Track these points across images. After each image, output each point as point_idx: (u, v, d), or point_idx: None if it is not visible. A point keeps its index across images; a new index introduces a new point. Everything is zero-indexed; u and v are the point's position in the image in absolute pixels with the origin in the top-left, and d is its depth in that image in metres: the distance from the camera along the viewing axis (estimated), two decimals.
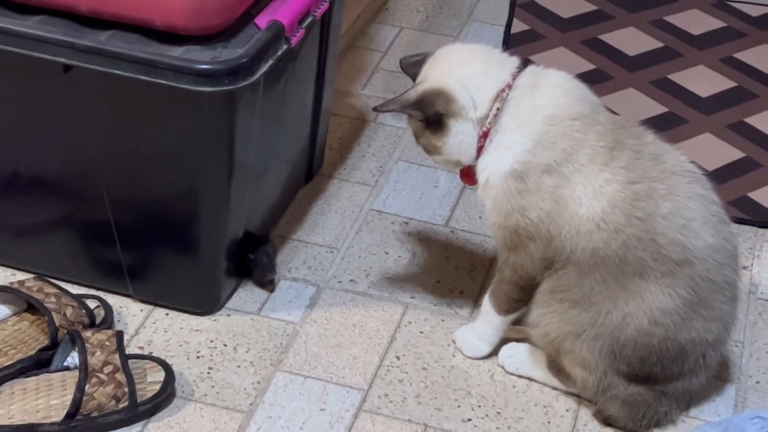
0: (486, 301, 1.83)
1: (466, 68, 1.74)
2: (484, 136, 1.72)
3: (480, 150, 1.73)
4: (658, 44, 2.70)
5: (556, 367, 1.78)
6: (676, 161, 1.73)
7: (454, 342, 1.88)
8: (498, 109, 1.71)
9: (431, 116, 1.72)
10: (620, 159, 1.69)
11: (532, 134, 1.69)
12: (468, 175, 1.80)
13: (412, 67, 1.80)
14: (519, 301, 1.78)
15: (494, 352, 1.85)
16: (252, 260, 1.94)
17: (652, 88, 2.55)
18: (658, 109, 2.48)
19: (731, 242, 1.74)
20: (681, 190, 1.69)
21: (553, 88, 1.73)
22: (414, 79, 1.79)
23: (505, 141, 1.71)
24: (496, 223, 1.75)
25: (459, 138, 1.73)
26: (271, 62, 1.75)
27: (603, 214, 1.67)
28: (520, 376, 1.83)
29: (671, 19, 2.80)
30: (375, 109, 1.77)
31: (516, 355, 1.84)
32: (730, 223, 1.75)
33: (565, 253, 1.70)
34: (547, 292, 1.74)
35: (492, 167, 1.73)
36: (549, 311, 1.74)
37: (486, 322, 1.84)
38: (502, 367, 1.84)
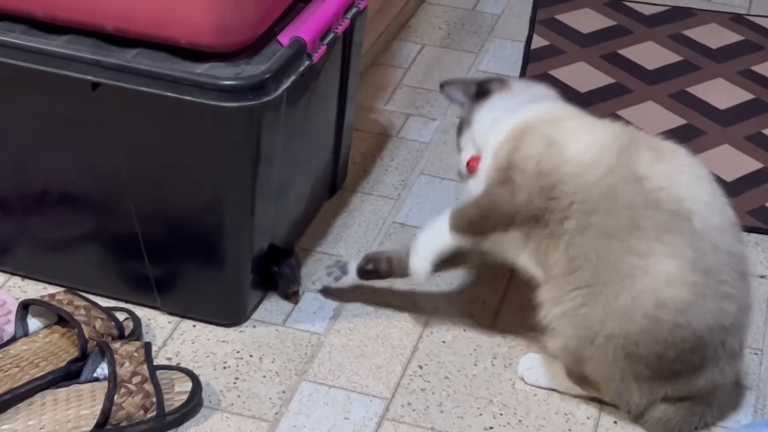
0: (445, 211, 1.84)
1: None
2: None
3: None
4: (677, 58, 2.73)
5: (576, 375, 1.81)
6: (669, 145, 1.81)
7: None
8: None
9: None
10: (610, 126, 1.81)
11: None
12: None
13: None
14: (473, 225, 1.80)
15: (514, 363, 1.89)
16: (276, 272, 1.97)
17: (670, 101, 2.58)
18: (677, 121, 2.51)
19: (727, 210, 1.76)
20: (670, 154, 1.78)
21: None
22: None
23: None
24: (491, 168, 1.80)
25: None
26: (293, 78, 1.79)
27: (592, 160, 1.74)
28: (540, 387, 1.86)
29: (689, 33, 2.83)
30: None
31: (535, 366, 1.87)
32: (725, 197, 1.77)
33: (555, 198, 1.73)
34: (561, 276, 1.75)
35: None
36: (562, 312, 1.75)
37: (432, 231, 1.84)
38: (522, 379, 1.87)
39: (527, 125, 1.80)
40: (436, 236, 1.85)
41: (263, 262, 1.95)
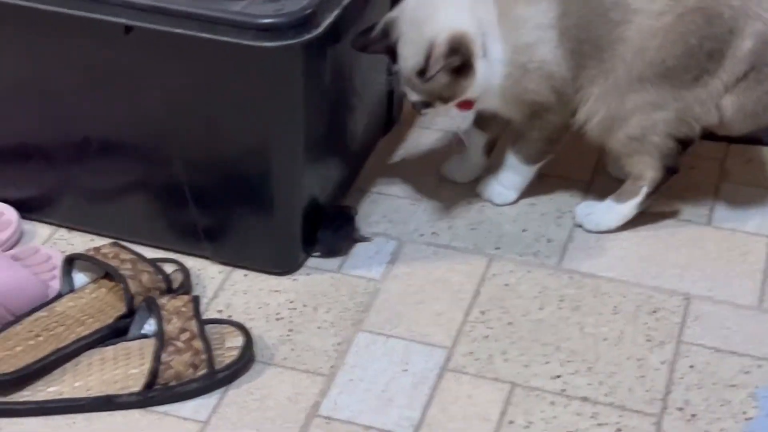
0: (510, 156, 1.95)
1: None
2: None
3: None
4: None
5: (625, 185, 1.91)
6: None
7: (480, 195, 1.99)
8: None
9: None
10: None
11: None
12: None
13: (380, 40, 1.81)
14: (548, 150, 1.93)
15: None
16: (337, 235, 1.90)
17: None
18: None
19: None
20: None
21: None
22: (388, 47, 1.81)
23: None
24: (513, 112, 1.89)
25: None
26: (337, 12, 1.69)
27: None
28: (601, 232, 1.91)
29: None
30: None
31: (593, 211, 1.93)
32: None
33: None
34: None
35: None
36: (596, 96, 1.84)
37: (513, 172, 1.96)
38: (581, 227, 1.93)
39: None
40: (518, 175, 1.97)
41: (316, 209, 1.86)
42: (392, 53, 1.81)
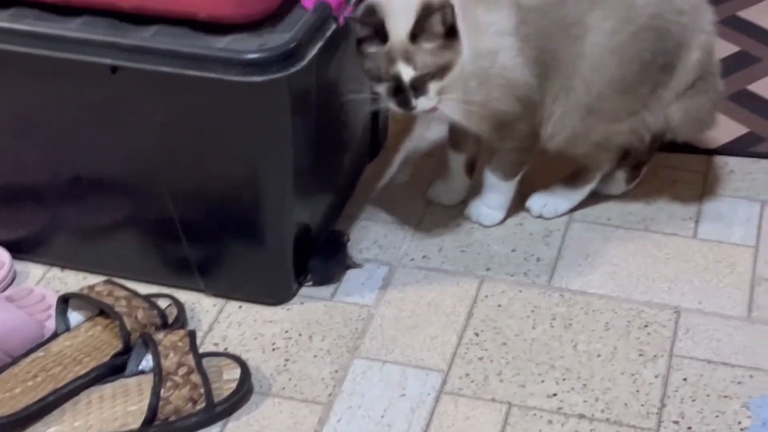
0: (489, 176, 1.97)
1: None
2: None
3: None
4: None
5: (577, 172, 2.01)
6: None
7: (468, 218, 2.02)
8: None
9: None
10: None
11: None
12: None
13: (367, 17, 1.76)
14: (522, 163, 1.96)
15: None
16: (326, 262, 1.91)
17: (721, 27, 2.45)
18: (730, 48, 2.38)
19: None
20: None
21: None
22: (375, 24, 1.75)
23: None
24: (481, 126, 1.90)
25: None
26: (320, 44, 1.71)
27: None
28: (562, 215, 2.01)
29: None
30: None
31: (548, 201, 2.01)
32: None
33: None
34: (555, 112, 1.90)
35: None
36: (559, 114, 1.89)
37: (495, 191, 1.99)
38: (541, 216, 2.01)
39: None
40: (500, 193, 1.99)
41: (307, 238, 1.87)
42: (381, 32, 1.75)
